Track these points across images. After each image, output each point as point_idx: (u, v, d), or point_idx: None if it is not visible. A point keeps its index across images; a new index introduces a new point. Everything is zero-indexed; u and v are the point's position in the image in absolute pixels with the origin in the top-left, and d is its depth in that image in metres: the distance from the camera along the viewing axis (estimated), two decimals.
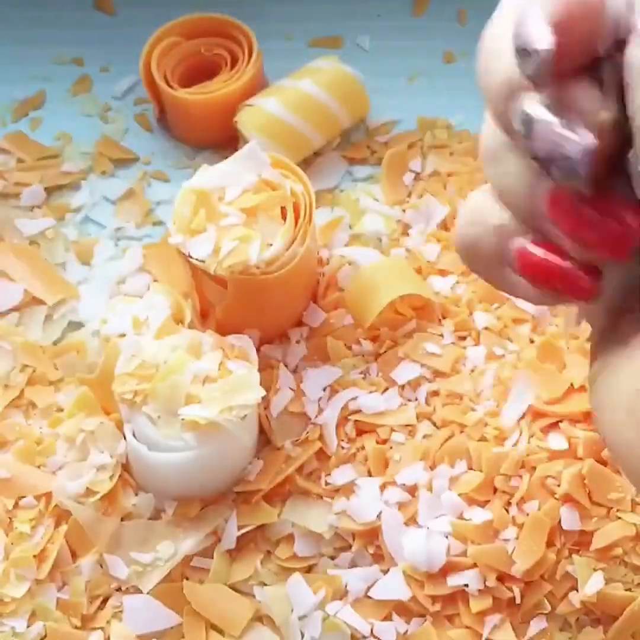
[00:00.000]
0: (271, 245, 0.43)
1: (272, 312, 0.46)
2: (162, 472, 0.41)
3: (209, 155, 0.55)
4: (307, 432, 0.44)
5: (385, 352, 0.46)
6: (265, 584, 0.42)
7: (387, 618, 0.41)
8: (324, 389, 0.45)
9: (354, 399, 0.45)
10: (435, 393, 0.45)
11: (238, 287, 0.43)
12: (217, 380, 0.41)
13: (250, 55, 0.53)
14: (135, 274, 0.50)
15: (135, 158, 0.55)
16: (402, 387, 0.45)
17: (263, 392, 0.41)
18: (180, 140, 0.56)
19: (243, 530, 0.42)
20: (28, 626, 0.41)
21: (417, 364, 0.45)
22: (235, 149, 0.55)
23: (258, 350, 0.45)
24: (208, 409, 0.40)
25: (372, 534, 0.42)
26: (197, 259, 0.42)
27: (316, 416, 0.44)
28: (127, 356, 0.42)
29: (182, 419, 0.40)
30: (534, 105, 0.22)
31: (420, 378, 0.45)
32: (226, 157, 0.54)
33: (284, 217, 0.43)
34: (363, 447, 0.44)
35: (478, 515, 0.41)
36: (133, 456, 0.42)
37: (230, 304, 0.44)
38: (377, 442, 0.44)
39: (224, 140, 0.55)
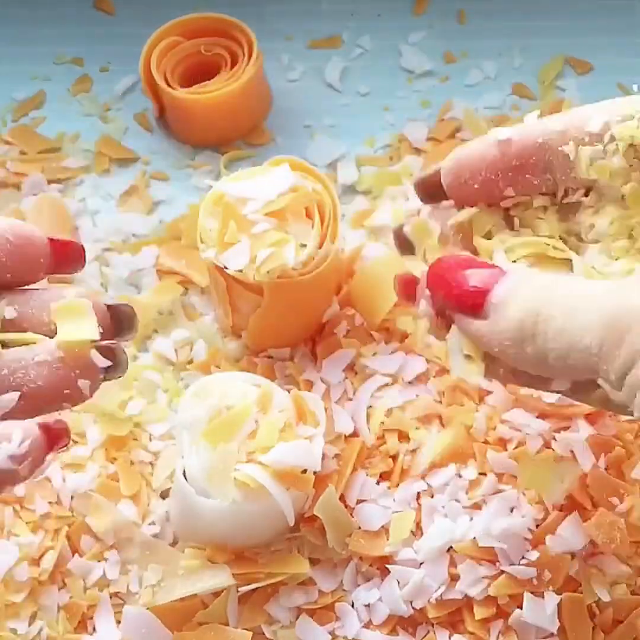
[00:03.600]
0: (304, 245, 0.43)
1: (304, 314, 0.46)
2: (202, 517, 0.41)
3: (209, 155, 0.55)
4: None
5: (393, 350, 0.46)
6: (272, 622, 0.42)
7: (393, 632, 0.41)
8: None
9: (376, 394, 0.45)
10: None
11: (275, 292, 0.43)
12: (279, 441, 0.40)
13: (250, 55, 0.53)
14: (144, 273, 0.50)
15: (135, 158, 0.55)
16: (410, 382, 0.45)
17: (319, 467, 0.41)
18: (180, 140, 0.56)
19: (268, 581, 0.41)
20: (29, 626, 0.41)
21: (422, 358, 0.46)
22: (236, 149, 0.55)
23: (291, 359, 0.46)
24: (262, 472, 0.40)
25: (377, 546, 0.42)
26: (233, 270, 0.42)
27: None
28: (197, 390, 0.42)
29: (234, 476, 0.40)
30: None
31: (428, 372, 0.46)
32: (225, 156, 0.55)
33: (308, 217, 0.44)
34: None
35: (481, 524, 0.42)
36: (177, 494, 0.42)
37: (264, 311, 0.44)
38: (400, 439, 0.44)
39: (224, 140, 0.55)
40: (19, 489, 0.43)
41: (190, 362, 0.48)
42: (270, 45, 0.56)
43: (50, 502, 0.43)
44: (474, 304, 0.33)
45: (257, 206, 0.42)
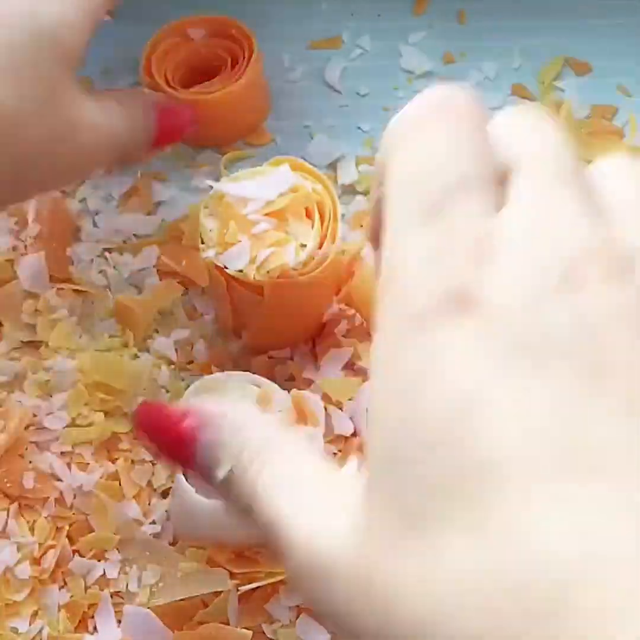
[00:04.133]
0: (304, 246, 0.43)
1: (304, 314, 0.46)
2: (202, 517, 0.41)
3: (209, 155, 0.55)
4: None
5: None
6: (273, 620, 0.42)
7: None
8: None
9: None
10: None
11: (275, 292, 0.43)
12: None
13: (250, 56, 0.53)
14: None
15: None
16: None
17: None
18: (180, 141, 0.56)
19: (268, 581, 0.42)
20: (29, 625, 0.41)
21: None
22: (236, 149, 0.55)
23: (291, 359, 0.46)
24: None
25: None
26: (233, 270, 0.43)
27: None
28: (197, 389, 0.42)
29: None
30: None
31: None
32: (225, 156, 0.55)
33: (308, 218, 0.44)
34: None
35: None
36: (177, 493, 0.42)
37: (265, 312, 0.44)
38: None
39: (223, 140, 0.55)
40: (24, 483, 0.43)
41: (191, 362, 0.48)
42: (271, 46, 0.56)
43: (51, 501, 0.43)
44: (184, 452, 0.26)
45: (257, 206, 0.43)
